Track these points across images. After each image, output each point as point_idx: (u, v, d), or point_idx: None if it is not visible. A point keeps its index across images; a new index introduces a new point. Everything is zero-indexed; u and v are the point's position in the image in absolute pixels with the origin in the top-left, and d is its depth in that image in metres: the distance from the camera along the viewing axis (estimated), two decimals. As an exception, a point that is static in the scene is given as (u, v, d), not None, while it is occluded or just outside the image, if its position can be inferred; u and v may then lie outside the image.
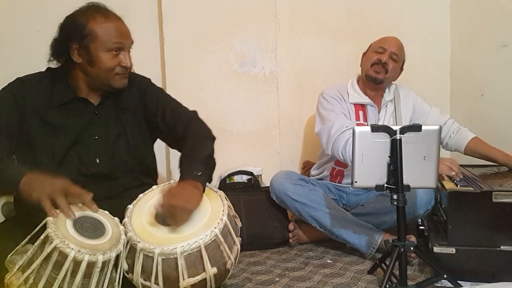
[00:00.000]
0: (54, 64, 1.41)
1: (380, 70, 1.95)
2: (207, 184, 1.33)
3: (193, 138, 1.37)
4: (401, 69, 2.05)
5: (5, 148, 1.26)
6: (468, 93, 2.37)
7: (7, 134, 1.30)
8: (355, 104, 2.00)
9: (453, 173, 1.64)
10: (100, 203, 1.21)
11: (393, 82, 2.07)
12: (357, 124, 1.94)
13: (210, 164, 1.33)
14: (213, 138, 1.41)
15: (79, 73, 1.38)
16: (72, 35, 1.32)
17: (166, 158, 2.33)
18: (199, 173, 1.24)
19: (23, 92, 1.35)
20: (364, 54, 2.08)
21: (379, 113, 2.01)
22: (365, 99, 2.00)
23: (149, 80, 1.56)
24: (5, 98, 1.33)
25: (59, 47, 1.36)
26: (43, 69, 1.45)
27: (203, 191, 1.25)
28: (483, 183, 1.55)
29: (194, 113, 1.48)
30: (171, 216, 1.17)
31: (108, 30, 1.31)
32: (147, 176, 1.51)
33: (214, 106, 2.34)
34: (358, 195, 2.01)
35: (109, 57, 1.32)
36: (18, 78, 1.39)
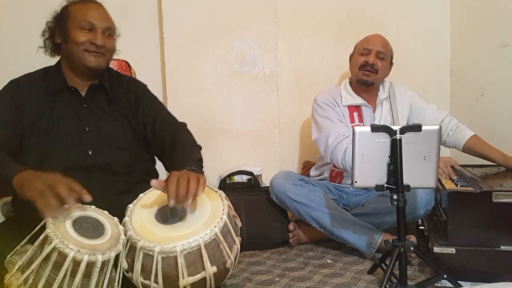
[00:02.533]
0: (47, 53, 1.47)
1: (369, 72, 1.94)
2: (207, 184, 1.33)
3: (183, 144, 1.41)
4: (391, 63, 2.05)
5: (6, 146, 1.28)
6: (468, 93, 2.37)
7: (13, 134, 1.34)
8: (349, 106, 1.99)
9: (448, 167, 1.67)
10: (100, 203, 1.20)
11: (387, 80, 2.07)
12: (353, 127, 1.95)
13: (200, 166, 1.36)
14: (201, 147, 1.46)
15: (63, 59, 1.45)
16: (56, 20, 1.43)
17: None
18: (193, 168, 1.26)
19: (18, 92, 1.39)
20: (351, 56, 2.07)
21: (374, 112, 2.00)
22: (358, 100, 1.99)
23: (146, 86, 1.62)
24: (2, 100, 1.37)
25: (48, 35, 1.45)
26: (43, 69, 1.47)
27: None
28: (483, 183, 1.55)
29: (183, 124, 1.53)
30: (187, 198, 1.13)
31: (82, 10, 1.40)
32: (146, 174, 1.52)
33: (214, 106, 2.34)
34: (358, 195, 2.01)
35: (80, 33, 1.38)
36: (11, 80, 1.43)
